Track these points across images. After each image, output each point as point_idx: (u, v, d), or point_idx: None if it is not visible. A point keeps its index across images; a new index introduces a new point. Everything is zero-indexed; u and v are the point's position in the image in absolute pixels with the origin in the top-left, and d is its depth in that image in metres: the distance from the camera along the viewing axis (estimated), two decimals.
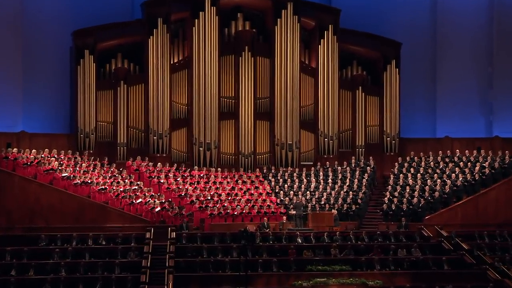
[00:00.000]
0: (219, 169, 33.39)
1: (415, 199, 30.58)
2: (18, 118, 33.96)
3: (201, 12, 34.68)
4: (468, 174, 31.61)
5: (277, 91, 35.25)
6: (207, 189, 31.26)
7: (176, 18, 35.28)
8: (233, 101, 35.24)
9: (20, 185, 28.85)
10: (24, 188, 28.81)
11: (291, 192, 31.85)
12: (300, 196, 31.26)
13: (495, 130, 36.53)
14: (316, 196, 31.62)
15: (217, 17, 34.81)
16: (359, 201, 31.34)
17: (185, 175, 32.42)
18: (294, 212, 29.80)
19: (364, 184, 32.58)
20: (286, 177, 33.33)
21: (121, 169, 31.95)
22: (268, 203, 30.67)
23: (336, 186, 32.55)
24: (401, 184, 32.24)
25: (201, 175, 32.62)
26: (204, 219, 29.71)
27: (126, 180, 30.95)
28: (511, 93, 36.82)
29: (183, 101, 35.11)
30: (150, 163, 32.76)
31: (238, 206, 30.12)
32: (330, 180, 32.95)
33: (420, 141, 36.02)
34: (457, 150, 33.89)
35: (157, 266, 25.97)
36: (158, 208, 29.26)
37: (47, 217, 28.60)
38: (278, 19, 35.23)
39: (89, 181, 30.01)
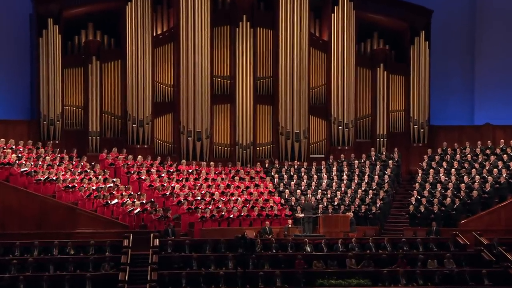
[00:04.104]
0: (211, 163, 33.47)
1: (448, 199, 30.60)
2: None
3: None
4: None
5: (282, 70, 35.36)
6: (197, 187, 31.30)
7: None
8: (228, 81, 35.37)
9: None
10: None
11: (298, 190, 31.91)
12: (309, 196, 31.28)
13: None
14: (329, 195, 31.64)
15: None
16: (379, 202, 31.28)
17: (171, 170, 32.48)
18: (302, 214, 29.78)
19: (386, 181, 32.64)
20: (292, 173, 33.39)
21: (93, 163, 32.03)
22: (271, 204, 30.68)
23: (353, 183, 32.68)
24: (431, 181, 32.30)
25: (190, 170, 32.70)
26: (194, 223, 29.73)
27: (100, 177, 30.94)
28: None
29: (168, 81, 35.23)
30: (129, 156, 32.85)
31: (235, 208, 30.11)
32: (345, 177, 33.02)
33: (455, 129, 36.21)
34: (502, 140, 33.99)
35: (137, 280, 25.89)
36: (138, 210, 29.19)
37: (2, 222, 28.47)
38: None
39: (54, 178, 29.99)
